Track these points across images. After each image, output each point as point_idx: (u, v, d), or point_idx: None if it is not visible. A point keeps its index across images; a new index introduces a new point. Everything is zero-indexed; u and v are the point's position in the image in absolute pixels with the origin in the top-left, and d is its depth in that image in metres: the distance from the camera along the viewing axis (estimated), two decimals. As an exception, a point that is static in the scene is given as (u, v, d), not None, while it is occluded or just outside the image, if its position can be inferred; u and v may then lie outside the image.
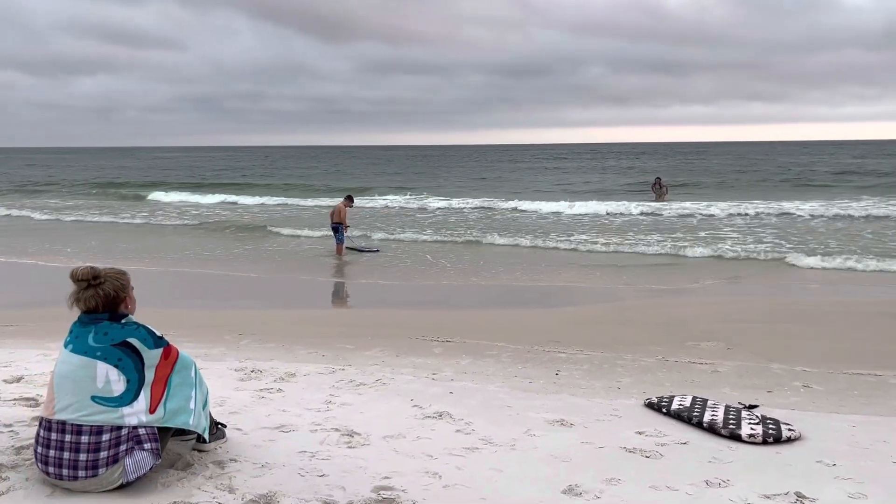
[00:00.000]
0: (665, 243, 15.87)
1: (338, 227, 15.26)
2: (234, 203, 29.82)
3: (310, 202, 29.52)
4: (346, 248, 15.36)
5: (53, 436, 3.13)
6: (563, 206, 24.48)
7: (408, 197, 30.88)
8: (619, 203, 24.95)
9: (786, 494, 3.36)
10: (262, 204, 29.42)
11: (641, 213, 22.47)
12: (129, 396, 3.17)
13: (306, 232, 18.85)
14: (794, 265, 13.02)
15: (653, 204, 24.48)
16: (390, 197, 31.17)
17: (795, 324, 8.30)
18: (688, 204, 24.52)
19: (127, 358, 3.19)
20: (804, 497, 3.34)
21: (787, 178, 39.06)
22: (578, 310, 9.62)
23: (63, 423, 3.12)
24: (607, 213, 22.84)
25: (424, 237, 17.83)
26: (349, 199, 16.13)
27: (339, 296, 11.94)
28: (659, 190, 27.25)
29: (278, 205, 29.01)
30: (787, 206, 23.31)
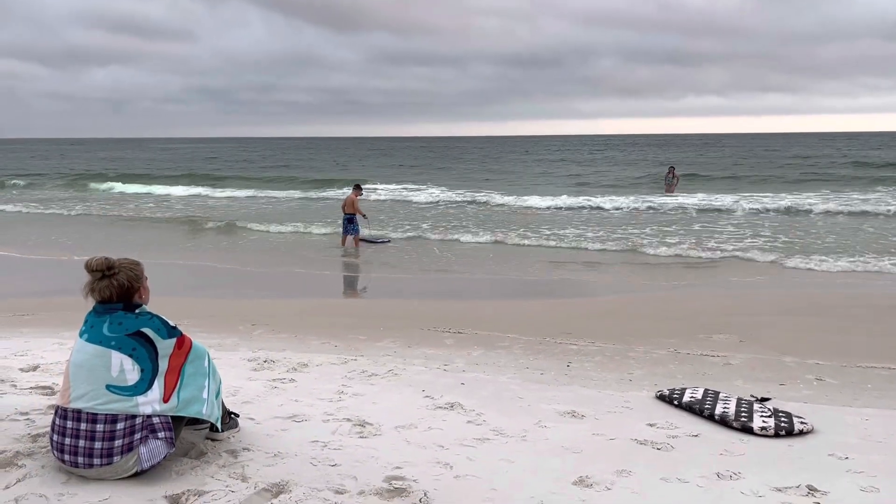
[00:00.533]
0: (671, 238, 15.63)
1: (351, 218, 15.14)
2: (242, 196, 29.82)
3: (312, 194, 29.55)
4: (360, 239, 15.29)
5: (69, 424, 3.17)
6: (566, 200, 24.14)
7: (413, 187, 30.70)
8: (628, 197, 24.67)
9: (797, 487, 3.35)
10: (273, 197, 29.43)
11: (650, 208, 22.08)
12: (143, 386, 3.20)
13: (315, 227, 18.50)
14: (801, 261, 12.81)
15: (655, 199, 23.71)
16: (392, 186, 31.08)
17: (808, 317, 8.25)
18: (699, 196, 24.40)
19: (141, 347, 3.22)
20: (816, 490, 3.33)
21: (801, 171, 38.72)
22: (590, 302, 9.61)
23: (78, 411, 3.16)
24: (614, 208, 22.40)
25: (429, 229, 17.65)
26: (358, 188, 16.00)
27: (349, 287, 11.98)
28: (671, 180, 26.93)
29: (286, 197, 29.00)
30: (798, 199, 23.13)
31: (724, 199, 23.18)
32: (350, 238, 15.13)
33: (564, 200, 24.37)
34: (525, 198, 25.47)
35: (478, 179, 36.99)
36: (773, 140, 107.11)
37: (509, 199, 25.20)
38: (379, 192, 29.20)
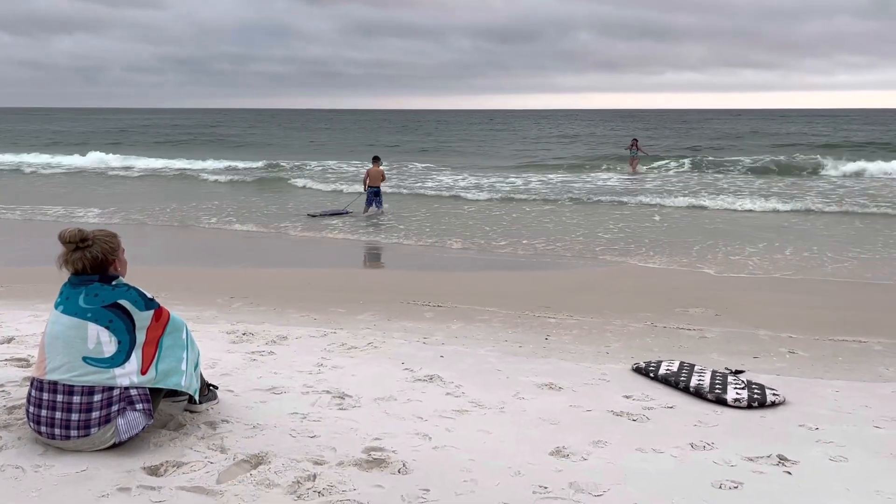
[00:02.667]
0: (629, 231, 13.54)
1: (377, 191, 15.77)
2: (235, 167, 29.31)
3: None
4: (312, 214, 15.63)
5: (45, 396, 3.15)
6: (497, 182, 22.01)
7: (390, 165, 29.90)
8: (588, 175, 23.83)
9: (768, 457, 3.43)
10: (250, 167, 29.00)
11: (610, 183, 20.94)
12: (120, 357, 3.18)
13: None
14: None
15: (610, 183, 21.57)
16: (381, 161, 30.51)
17: (783, 292, 8.37)
18: (658, 165, 24.74)
19: (118, 319, 3.20)
20: (786, 460, 3.40)
21: (774, 147, 38.77)
22: (569, 276, 9.67)
23: (55, 383, 3.14)
24: (574, 200, 18.49)
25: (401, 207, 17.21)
26: (377, 159, 16.67)
27: (331, 259, 11.92)
28: (635, 153, 25.41)
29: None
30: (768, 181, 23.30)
31: (686, 172, 23.16)
32: (373, 209, 15.59)
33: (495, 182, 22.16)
34: (492, 178, 23.50)
35: (454, 156, 36.34)
36: (747, 117, 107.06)
37: (485, 180, 22.74)
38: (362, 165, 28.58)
